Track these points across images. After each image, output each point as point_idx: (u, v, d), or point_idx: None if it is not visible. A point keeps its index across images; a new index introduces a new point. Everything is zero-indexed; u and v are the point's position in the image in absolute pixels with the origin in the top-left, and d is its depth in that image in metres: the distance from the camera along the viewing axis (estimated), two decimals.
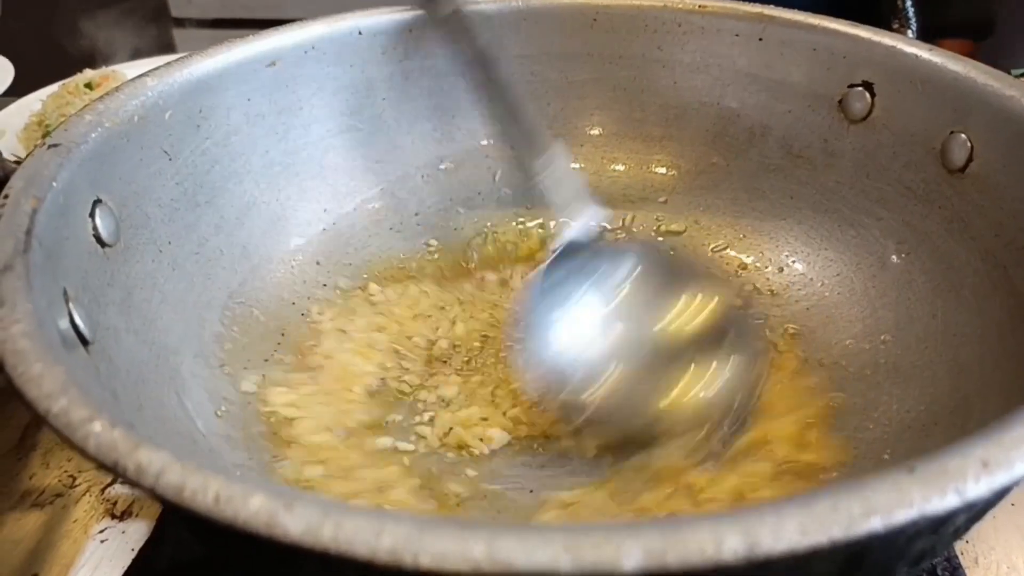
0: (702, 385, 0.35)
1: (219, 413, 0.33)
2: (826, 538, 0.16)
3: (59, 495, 0.36)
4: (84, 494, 0.36)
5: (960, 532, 0.23)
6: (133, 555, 0.33)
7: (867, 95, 0.40)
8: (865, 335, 0.38)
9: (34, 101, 0.68)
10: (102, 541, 0.34)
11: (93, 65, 0.71)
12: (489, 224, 0.46)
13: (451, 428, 0.35)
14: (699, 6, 0.45)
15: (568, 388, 0.34)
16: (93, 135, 0.31)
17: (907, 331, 0.37)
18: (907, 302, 0.37)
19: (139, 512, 0.35)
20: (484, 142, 0.47)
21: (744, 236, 0.45)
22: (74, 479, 0.37)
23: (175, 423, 0.30)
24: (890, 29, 0.47)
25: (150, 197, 0.34)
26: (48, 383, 0.20)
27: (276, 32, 0.41)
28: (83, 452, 0.19)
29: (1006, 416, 0.19)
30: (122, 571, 0.32)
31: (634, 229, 0.46)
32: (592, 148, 0.48)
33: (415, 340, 0.39)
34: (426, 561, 0.16)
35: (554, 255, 0.38)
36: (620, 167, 0.48)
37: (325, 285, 0.42)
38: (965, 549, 0.33)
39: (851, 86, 0.41)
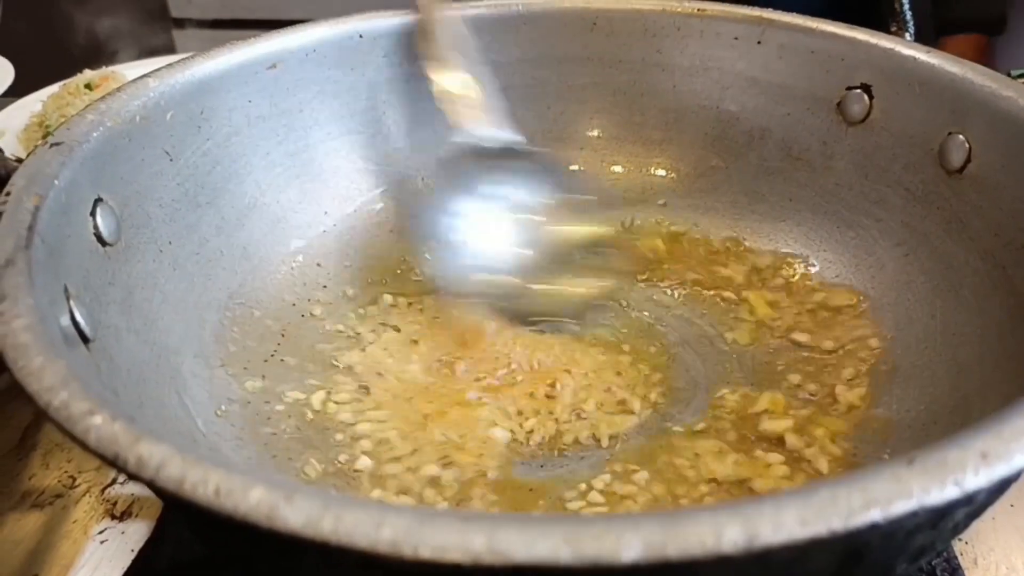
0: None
1: (219, 413, 0.33)
2: (826, 529, 0.16)
3: (59, 495, 0.36)
4: (84, 495, 0.36)
5: (959, 528, 0.23)
6: (133, 556, 0.33)
7: (865, 97, 0.41)
8: (865, 336, 0.38)
9: (34, 102, 0.68)
10: (102, 542, 0.34)
11: (93, 66, 0.71)
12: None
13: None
14: (698, 10, 0.45)
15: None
16: (95, 134, 0.31)
17: (906, 331, 0.37)
18: (906, 302, 0.38)
19: (139, 513, 0.35)
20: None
21: (743, 238, 0.45)
22: (74, 480, 0.37)
23: (175, 422, 0.30)
24: (888, 32, 0.47)
25: (151, 197, 0.34)
26: (49, 377, 0.20)
27: (277, 34, 0.41)
28: (84, 445, 0.19)
29: (1005, 409, 0.19)
30: (122, 572, 0.32)
31: (634, 231, 0.46)
32: (592, 151, 0.48)
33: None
34: (426, 553, 0.16)
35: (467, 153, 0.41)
36: (620, 169, 0.48)
37: (325, 287, 0.42)
38: (964, 550, 0.33)
39: (849, 88, 0.41)
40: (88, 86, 0.67)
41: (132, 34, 0.79)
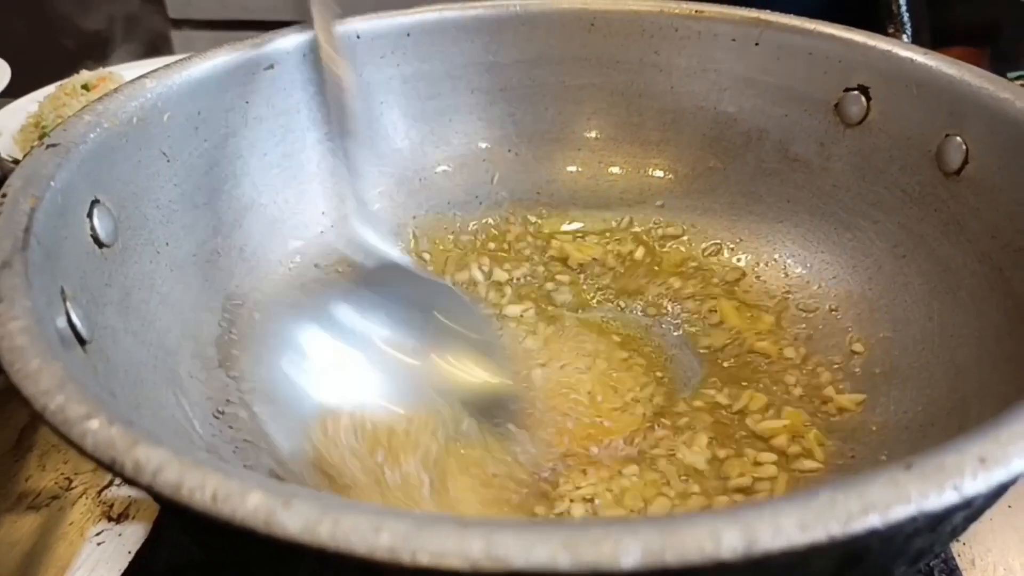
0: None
1: (217, 414, 0.33)
2: (824, 534, 0.16)
3: (55, 497, 0.36)
4: (80, 496, 0.36)
5: (958, 531, 0.23)
6: (130, 558, 0.33)
7: (863, 99, 0.41)
8: (863, 337, 0.38)
9: (31, 102, 0.68)
10: (98, 544, 0.34)
11: (90, 66, 0.71)
12: (487, 226, 0.46)
13: None
14: (695, 11, 0.45)
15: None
16: (92, 135, 0.31)
17: (904, 333, 0.37)
18: (904, 304, 0.38)
19: (136, 515, 0.35)
20: (482, 145, 0.47)
21: (741, 239, 0.45)
22: (70, 481, 0.37)
23: (173, 424, 0.30)
24: (886, 34, 0.47)
25: (148, 198, 0.34)
26: (45, 380, 0.20)
27: (275, 35, 0.41)
28: (80, 449, 0.19)
29: (1003, 413, 0.19)
30: (119, 574, 0.32)
31: (632, 232, 0.46)
32: (589, 152, 0.48)
33: None
34: (424, 559, 0.16)
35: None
36: (617, 170, 0.48)
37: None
38: (962, 551, 0.33)
39: (847, 90, 0.41)
40: (85, 87, 0.67)
41: (129, 35, 0.79)
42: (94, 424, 0.19)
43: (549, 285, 0.44)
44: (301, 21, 0.42)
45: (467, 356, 0.35)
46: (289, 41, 0.41)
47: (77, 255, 0.29)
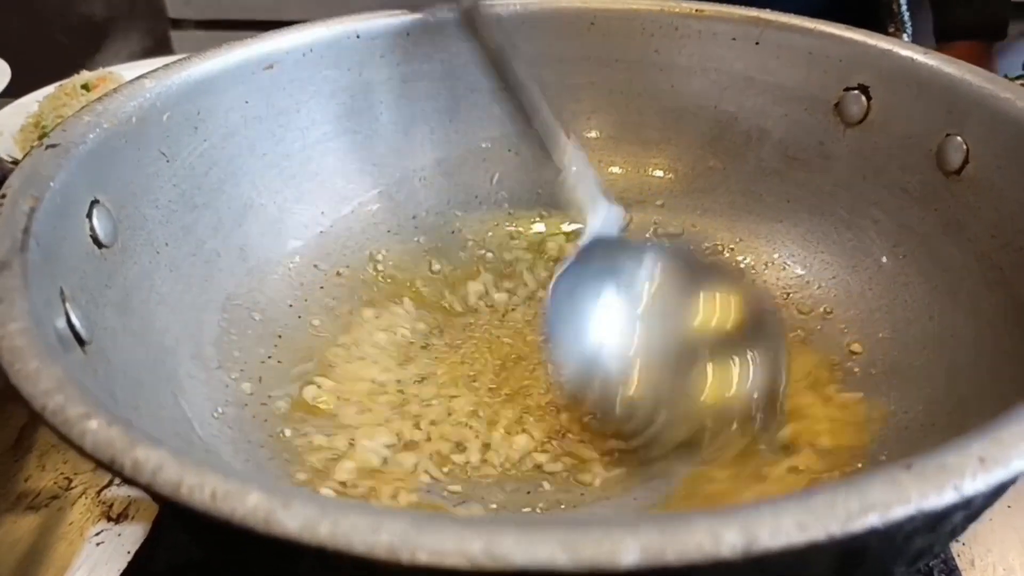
0: (729, 383, 0.35)
1: (216, 415, 0.33)
2: (824, 534, 0.16)
3: (55, 497, 0.36)
4: (80, 496, 0.36)
5: (957, 531, 0.23)
6: (129, 558, 0.33)
7: (863, 98, 0.41)
8: (862, 337, 0.38)
9: (31, 102, 0.68)
10: (98, 544, 0.34)
11: (90, 66, 0.71)
12: (487, 226, 0.46)
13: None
14: (696, 10, 0.45)
15: (599, 387, 0.34)
16: (91, 136, 0.31)
17: (904, 333, 0.37)
18: (904, 304, 0.38)
19: (135, 515, 0.35)
20: (483, 145, 0.47)
21: (741, 239, 0.45)
22: (70, 481, 0.37)
23: (172, 424, 0.30)
24: (886, 33, 0.47)
25: (148, 198, 0.34)
26: (44, 380, 0.20)
27: (274, 35, 0.41)
28: (79, 449, 0.19)
29: (1003, 413, 0.19)
30: (118, 574, 0.32)
31: (631, 232, 0.46)
32: (589, 151, 0.48)
33: None
34: (423, 558, 0.16)
35: (579, 252, 0.38)
36: (617, 170, 0.48)
37: (322, 288, 0.42)
38: (961, 551, 0.33)
39: (847, 89, 0.41)
40: (85, 87, 0.67)
41: (129, 34, 0.79)
42: (93, 424, 0.19)
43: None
44: (302, 20, 0.42)
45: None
46: (288, 40, 0.41)
47: (76, 256, 0.29)
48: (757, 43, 0.44)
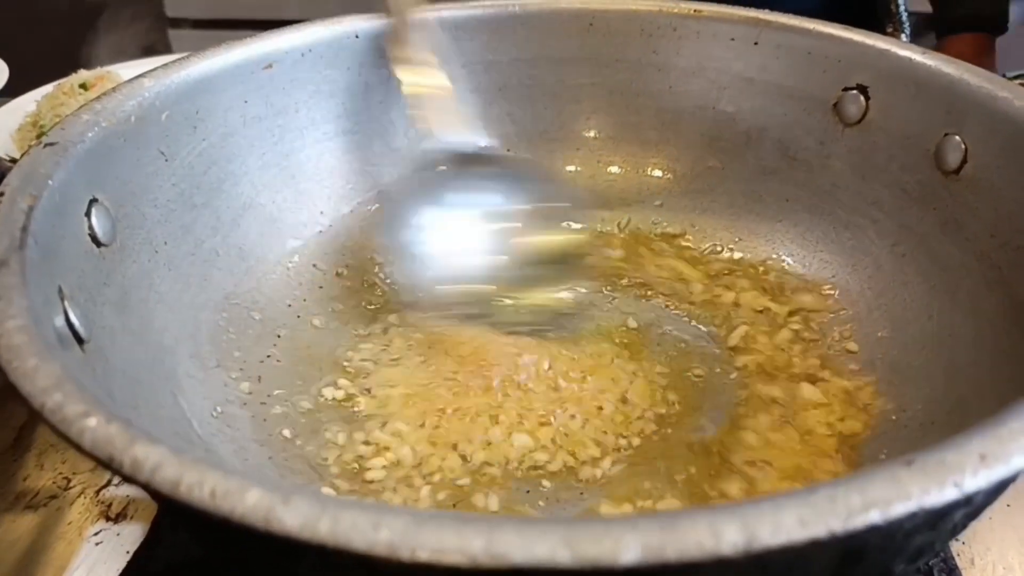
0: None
1: (215, 414, 0.33)
2: (825, 531, 0.16)
3: (53, 497, 0.36)
4: (79, 496, 0.36)
5: (958, 529, 0.23)
6: (128, 557, 0.33)
7: (862, 98, 0.41)
8: (861, 336, 0.38)
9: (29, 102, 0.68)
10: (97, 543, 0.34)
11: (88, 66, 0.71)
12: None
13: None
14: (694, 10, 0.45)
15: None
16: (90, 135, 0.31)
17: (903, 332, 0.37)
18: (903, 303, 0.38)
19: (134, 514, 0.35)
20: (481, 144, 0.47)
21: (740, 239, 0.45)
22: (69, 481, 0.37)
23: (171, 423, 0.30)
24: (884, 33, 0.47)
25: (146, 197, 0.34)
26: (43, 378, 0.20)
27: (273, 34, 0.41)
28: (78, 447, 0.19)
29: (1003, 411, 0.19)
30: (117, 574, 0.32)
31: (630, 232, 0.46)
32: (588, 151, 0.48)
33: None
34: (424, 555, 0.16)
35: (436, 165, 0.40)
36: (616, 170, 0.48)
37: (321, 287, 0.42)
38: (961, 550, 0.33)
39: (846, 89, 0.41)
40: (83, 86, 0.67)
41: (127, 34, 0.79)
42: (92, 421, 0.19)
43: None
44: (301, 20, 0.42)
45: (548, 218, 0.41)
46: (287, 40, 0.41)
47: (75, 254, 0.29)
48: (756, 43, 0.44)
